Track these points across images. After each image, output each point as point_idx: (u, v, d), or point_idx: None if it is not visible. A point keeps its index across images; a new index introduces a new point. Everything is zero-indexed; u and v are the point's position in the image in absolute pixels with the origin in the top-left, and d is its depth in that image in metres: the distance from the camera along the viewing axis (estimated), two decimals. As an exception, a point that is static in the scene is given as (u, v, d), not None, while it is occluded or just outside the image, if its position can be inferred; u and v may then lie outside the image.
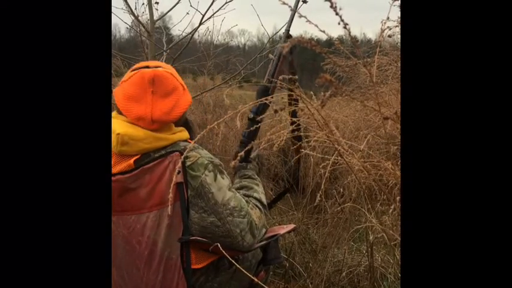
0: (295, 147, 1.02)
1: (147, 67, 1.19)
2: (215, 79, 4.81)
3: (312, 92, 1.10)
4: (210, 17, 2.47)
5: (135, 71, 1.18)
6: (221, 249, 1.06)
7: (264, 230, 1.39)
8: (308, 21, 0.75)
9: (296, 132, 1.25)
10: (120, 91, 1.18)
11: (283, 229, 1.45)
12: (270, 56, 1.50)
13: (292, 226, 1.51)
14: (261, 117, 1.37)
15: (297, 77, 1.02)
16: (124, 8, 2.39)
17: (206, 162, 1.17)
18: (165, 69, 1.20)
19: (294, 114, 1.42)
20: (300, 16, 0.77)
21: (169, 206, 1.13)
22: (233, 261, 0.97)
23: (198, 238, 1.17)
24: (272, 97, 1.45)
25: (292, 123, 1.27)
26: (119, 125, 1.14)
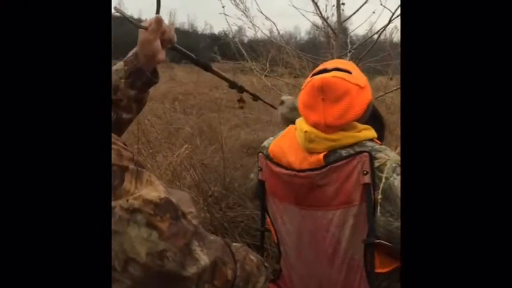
0: None
1: (325, 69, 1.22)
2: (394, 79, 4.63)
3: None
4: (398, 15, 2.40)
5: (310, 79, 1.22)
6: None
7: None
8: None
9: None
10: (299, 99, 1.25)
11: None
12: None
13: None
14: None
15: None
16: (314, 11, 2.50)
17: (395, 165, 1.13)
18: (336, 73, 1.18)
19: None
20: None
21: (356, 207, 1.13)
22: None
23: (383, 242, 1.14)
24: None
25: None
26: (306, 125, 1.20)
